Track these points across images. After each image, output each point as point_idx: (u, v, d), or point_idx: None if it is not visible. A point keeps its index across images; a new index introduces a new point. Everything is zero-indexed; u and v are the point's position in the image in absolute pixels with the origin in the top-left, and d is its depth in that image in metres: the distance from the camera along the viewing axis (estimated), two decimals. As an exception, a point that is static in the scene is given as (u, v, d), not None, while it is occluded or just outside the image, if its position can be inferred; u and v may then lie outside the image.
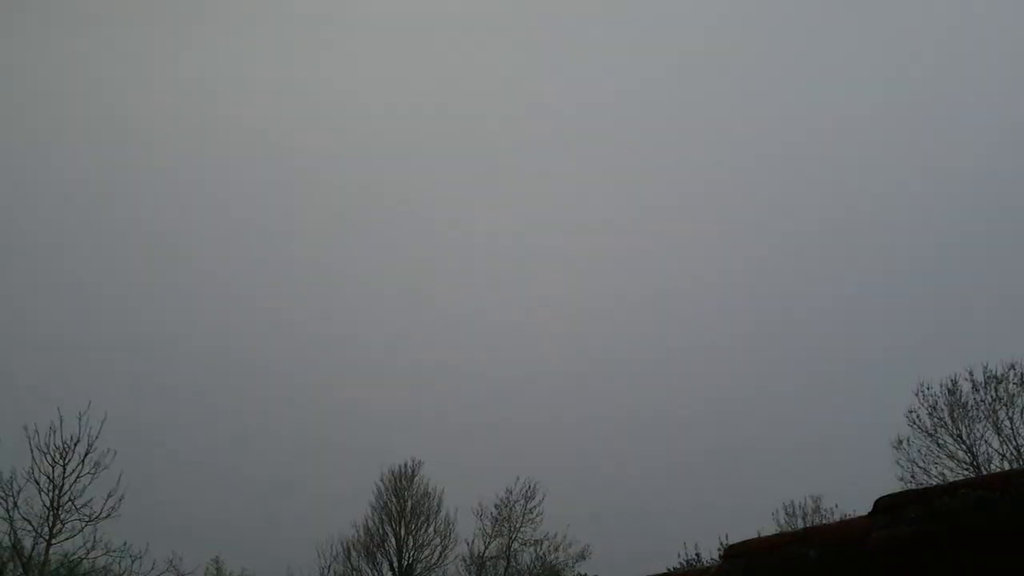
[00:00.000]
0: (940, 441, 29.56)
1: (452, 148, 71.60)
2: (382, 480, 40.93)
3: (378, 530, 40.38)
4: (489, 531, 39.58)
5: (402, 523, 40.30)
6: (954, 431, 29.40)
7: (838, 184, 68.04)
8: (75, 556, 22.26)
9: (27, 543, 21.96)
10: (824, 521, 34.84)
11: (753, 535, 3.96)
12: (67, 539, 22.03)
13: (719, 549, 31.51)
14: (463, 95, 72.65)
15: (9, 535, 21.86)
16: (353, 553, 39.93)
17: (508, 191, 70.24)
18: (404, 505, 40.56)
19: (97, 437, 22.35)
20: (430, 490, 40.87)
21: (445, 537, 40.27)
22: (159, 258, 63.24)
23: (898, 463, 30.01)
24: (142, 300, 60.82)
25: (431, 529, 40.43)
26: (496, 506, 39.64)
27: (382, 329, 61.42)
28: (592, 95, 72.18)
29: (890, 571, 2.69)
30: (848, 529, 2.92)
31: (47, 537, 21.82)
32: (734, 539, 3.35)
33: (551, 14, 70.78)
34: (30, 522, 21.87)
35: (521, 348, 61.11)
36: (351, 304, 64.83)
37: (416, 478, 41.00)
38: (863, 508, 2.98)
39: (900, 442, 30.17)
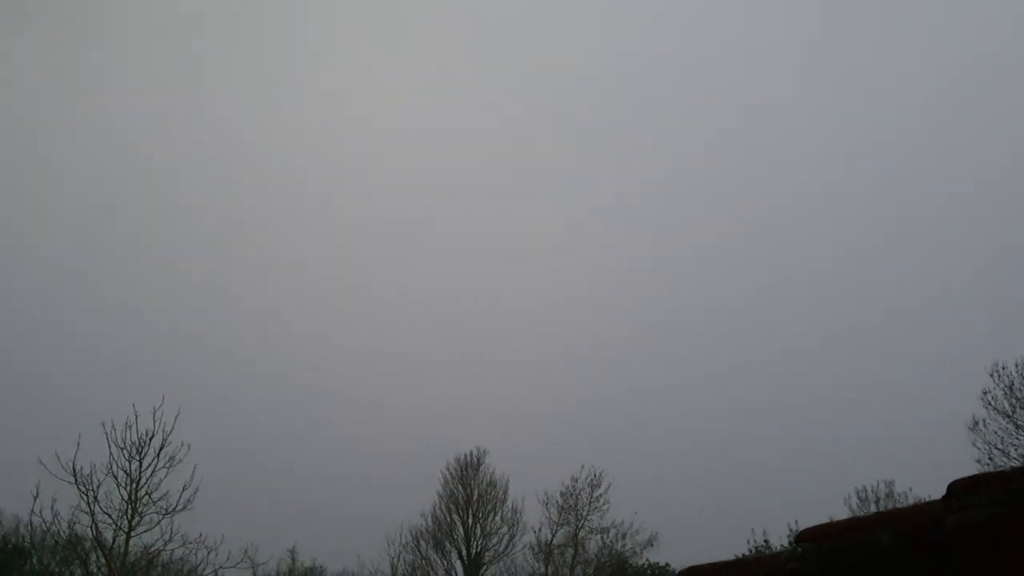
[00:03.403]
0: (1018, 422, 28.75)
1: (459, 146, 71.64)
2: (448, 469, 41.26)
3: (446, 519, 40.72)
4: (556, 519, 39.59)
5: (469, 512, 40.55)
6: (1033, 411, 28.57)
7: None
8: (154, 548, 22.81)
9: (108, 535, 22.55)
10: (897, 506, 34.19)
11: (824, 521, 3.90)
12: (146, 531, 22.53)
13: (788, 535, 31.10)
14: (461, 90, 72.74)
15: (91, 528, 22.47)
16: (422, 543, 40.36)
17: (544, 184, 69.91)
18: (471, 494, 40.81)
19: (171, 432, 22.81)
20: (495, 479, 41.10)
21: (512, 525, 40.49)
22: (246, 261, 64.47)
23: (975, 445, 29.27)
24: (224, 303, 62.20)
25: (498, 517, 40.66)
26: (562, 494, 39.63)
27: (442, 326, 61.82)
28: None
29: (966, 555, 2.64)
30: (922, 513, 2.88)
31: (126, 530, 22.37)
32: (804, 525, 3.31)
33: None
34: (110, 515, 22.41)
35: (588, 337, 60.90)
36: (409, 307, 65.38)
37: (481, 467, 41.24)
38: (938, 493, 2.92)
39: (976, 424, 29.40)
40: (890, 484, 36.30)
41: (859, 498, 36.27)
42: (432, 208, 70.51)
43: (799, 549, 3.15)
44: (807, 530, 3.19)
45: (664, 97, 71.70)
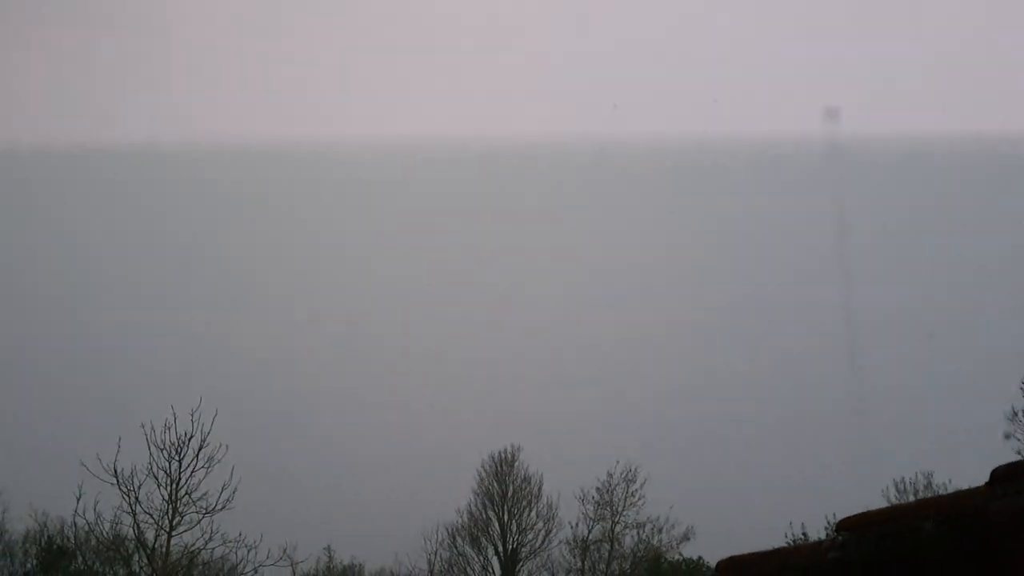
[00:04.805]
0: (1059, 411, 28.37)
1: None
2: (483, 466, 41.46)
3: (481, 515, 40.92)
4: (591, 515, 39.71)
5: (504, 508, 40.75)
6: (1074, 399, 28.18)
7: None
8: (194, 547, 23.15)
9: (149, 535, 22.95)
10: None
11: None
12: (186, 531, 22.91)
13: (826, 528, 30.90)
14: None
15: (133, 528, 22.84)
16: (458, 539, 40.54)
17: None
18: (506, 490, 41.01)
19: (209, 432, 23.11)
20: (530, 475, 41.25)
21: (548, 521, 40.60)
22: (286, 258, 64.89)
23: (1014, 435, 28.93)
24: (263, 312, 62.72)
25: (533, 513, 40.80)
26: (598, 490, 39.73)
27: (480, 330, 61.93)
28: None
29: (1010, 542, 2.63)
30: (965, 500, 2.86)
31: (167, 529, 22.75)
32: (842, 518, 3.30)
33: None
34: (151, 515, 22.80)
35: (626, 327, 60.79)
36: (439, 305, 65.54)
37: (516, 463, 41.40)
38: (977, 484, 2.90)
39: (1015, 414, 29.07)
40: (929, 476, 35.87)
41: (897, 490, 35.89)
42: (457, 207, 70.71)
43: (840, 538, 3.14)
44: (847, 519, 3.17)
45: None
